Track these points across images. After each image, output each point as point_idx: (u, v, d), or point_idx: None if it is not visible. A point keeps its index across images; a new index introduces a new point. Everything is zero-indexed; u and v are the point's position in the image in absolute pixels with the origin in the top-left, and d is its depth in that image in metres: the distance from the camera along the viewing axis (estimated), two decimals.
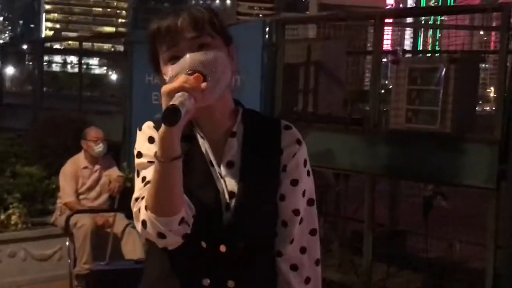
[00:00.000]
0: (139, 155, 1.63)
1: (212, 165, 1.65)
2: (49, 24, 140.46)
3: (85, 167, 5.79)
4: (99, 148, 5.72)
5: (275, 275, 1.75)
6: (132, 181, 6.23)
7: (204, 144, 1.67)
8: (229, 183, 1.65)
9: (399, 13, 5.32)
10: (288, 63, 6.39)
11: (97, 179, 5.81)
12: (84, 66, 14.28)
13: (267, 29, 6.17)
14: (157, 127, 1.59)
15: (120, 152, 7.72)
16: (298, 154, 1.71)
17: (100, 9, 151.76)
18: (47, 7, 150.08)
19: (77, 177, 5.74)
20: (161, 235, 1.52)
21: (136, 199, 1.58)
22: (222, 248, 1.62)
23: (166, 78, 1.56)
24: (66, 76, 28.69)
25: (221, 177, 1.65)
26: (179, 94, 1.41)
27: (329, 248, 6.66)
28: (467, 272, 5.83)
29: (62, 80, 28.23)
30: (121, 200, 5.78)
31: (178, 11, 1.60)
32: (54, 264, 5.69)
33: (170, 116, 1.38)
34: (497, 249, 4.78)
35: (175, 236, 1.53)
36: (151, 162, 1.58)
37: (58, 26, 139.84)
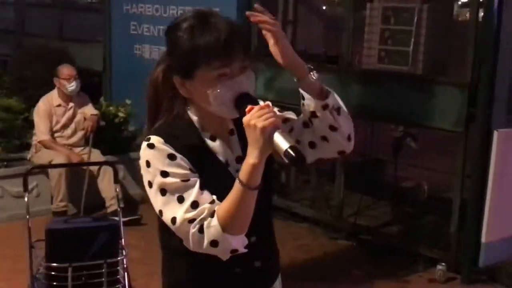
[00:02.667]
0: (165, 174, 1.67)
1: (228, 165, 1.77)
2: None
3: (59, 105, 5.79)
4: (71, 86, 5.69)
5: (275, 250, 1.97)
6: (107, 117, 6.26)
7: (215, 146, 1.77)
8: None
9: None
10: None
11: (71, 117, 5.82)
12: None
13: None
14: (168, 141, 1.69)
15: (101, 81, 7.71)
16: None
17: None
18: None
19: (51, 115, 5.75)
20: (234, 251, 1.68)
21: (191, 220, 1.64)
22: (253, 239, 1.76)
23: (208, 91, 1.66)
24: None
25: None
26: (280, 131, 1.57)
27: (307, 179, 6.76)
28: (438, 201, 5.86)
29: None
30: (96, 137, 5.82)
31: (232, 27, 1.68)
32: (32, 200, 5.76)
33: (300, 158, 1.52)
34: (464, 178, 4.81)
35: (243, 248, 1.69)
36: (185, 181, 1.67)
37: None
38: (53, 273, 3.34)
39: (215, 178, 1.71)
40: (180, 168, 1.67)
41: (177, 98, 1.77)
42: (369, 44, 5.34)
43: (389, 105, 5.10)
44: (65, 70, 5.75)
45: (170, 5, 6.69)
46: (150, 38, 6.88)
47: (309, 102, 1.75)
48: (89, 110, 5.90)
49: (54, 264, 3.34)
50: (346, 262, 5.18)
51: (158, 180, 1.67)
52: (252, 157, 1.59)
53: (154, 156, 1.69)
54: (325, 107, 1.74)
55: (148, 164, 1.69)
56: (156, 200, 1.69)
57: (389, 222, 5.70)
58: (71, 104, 5.81)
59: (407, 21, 5.03)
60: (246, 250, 1.70)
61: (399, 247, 5.22)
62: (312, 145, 1.81)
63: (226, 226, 1.62)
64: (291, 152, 1.51)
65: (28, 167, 5.42)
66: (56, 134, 5.78)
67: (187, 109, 1.77)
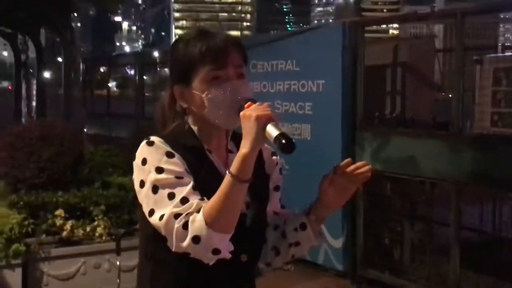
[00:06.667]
0: (160, 170, 1.65)
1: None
2: (179, 31, 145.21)
3: None
4: None
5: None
6: None
7: (213, 159, 1.77)
8: None
9: (480, 9, 4.88)
10: (373, 65, 6.12)
11: None
12: None
13: (347, 31, 5.94)
14: (168, 142, 1.70)
15: None
16: (279, 163, 1.92)
17: (226, 14, 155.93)
18: (176, 15, 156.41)
19: None
20: (216, 251, 1.59)
21: (177, 215, 1.58)
22: (244, 258, 1.76)
23: (203, 95, 1.69)
24: None
25: None
26: (274, 123, 1.54)
27: (421, 259, 6.32)
28: None
29: None
30: None
31: (228, 36, 1.74)
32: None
33: (291, 144, 1.51)
34: None
35: (227, 252, 1.61)
36: (179, 178, 1.64)
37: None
38: None
39: (209, 183, 1.64)
40: (176, 166, 1.66)
41: (179, 114, 1.80)
42: (481, 107, 5.03)
43: (506, 171, 4.71)
44: None
45: (277, 81, 6.73)
46: None
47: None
48: None
49: None
50: None
51: (152, 177, 1.65)
52: (244, 147, 1.55)
53: (151, 153, 1.68)
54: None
55: (144, 161, 1.68)
56: (148, 200, 1.65)
57: None
58: None
59: None
60: (229, 256, 1.62)
61: None
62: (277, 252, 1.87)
63: (211, 220, 1.55)
64: (281, 139, 1.51)
65: (137, 240, 5.50)
66: None
67: (186, 119, 1.79)
